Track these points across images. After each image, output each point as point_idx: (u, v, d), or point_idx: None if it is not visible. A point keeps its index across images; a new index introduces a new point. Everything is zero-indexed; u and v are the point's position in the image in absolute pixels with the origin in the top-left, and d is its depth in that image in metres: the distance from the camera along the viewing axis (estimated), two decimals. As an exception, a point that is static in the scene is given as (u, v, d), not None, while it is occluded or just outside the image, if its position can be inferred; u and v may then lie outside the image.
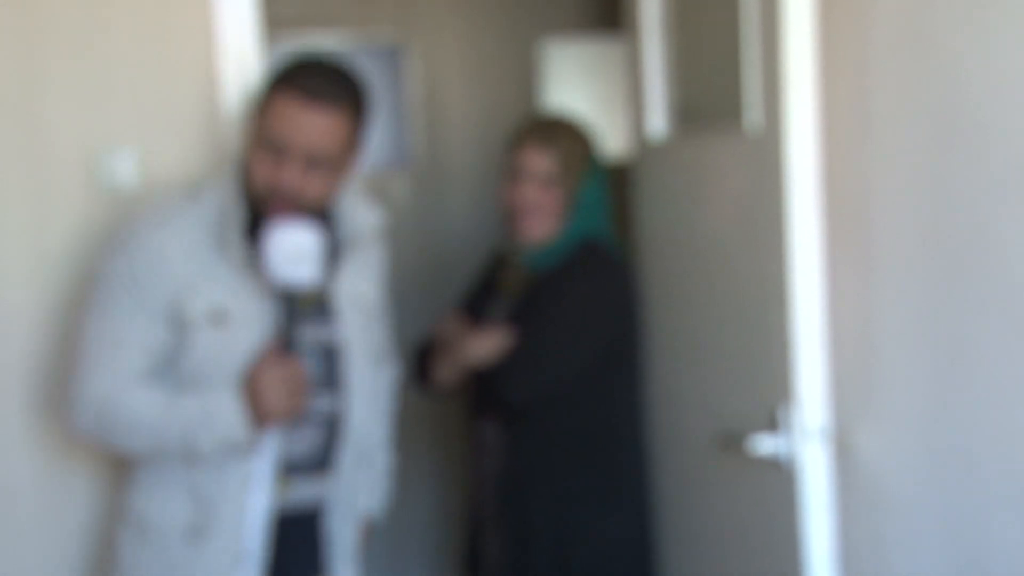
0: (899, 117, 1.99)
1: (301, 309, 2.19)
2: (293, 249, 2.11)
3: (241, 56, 2.52)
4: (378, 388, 2.44)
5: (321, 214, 2.23)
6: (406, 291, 2.97)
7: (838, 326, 2.14)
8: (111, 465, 2.47)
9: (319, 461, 2.27)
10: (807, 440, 2.15)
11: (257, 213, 2.19)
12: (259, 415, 2.11)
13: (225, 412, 2.11)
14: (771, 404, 2.19)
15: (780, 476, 2.18)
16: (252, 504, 2.17)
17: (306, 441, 2.25)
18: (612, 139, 3.35)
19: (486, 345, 2.64)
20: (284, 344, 2.14)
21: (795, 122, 2.13)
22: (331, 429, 2.27)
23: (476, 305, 2.82)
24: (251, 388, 2.11)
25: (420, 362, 2.79)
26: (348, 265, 2.31)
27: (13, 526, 2.46)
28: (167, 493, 2.20)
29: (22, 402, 2.45)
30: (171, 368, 2.17)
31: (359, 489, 2.39)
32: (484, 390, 2.70)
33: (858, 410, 2.12)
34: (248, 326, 2.16)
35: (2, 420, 2.44)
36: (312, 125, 2.12)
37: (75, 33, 2.44)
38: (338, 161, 2.19)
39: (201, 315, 2.13)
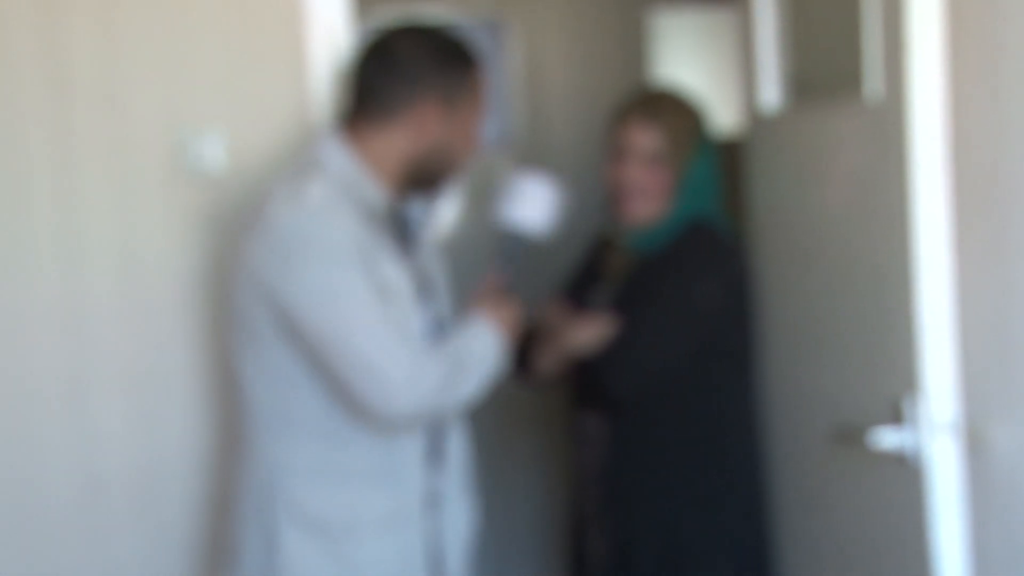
0: (1035, 82, 1.92)
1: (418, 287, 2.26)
2: (527, 193, 2.35)
3: (331, 33, 2.53)
4: None
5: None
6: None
7: (969, 310, 2.08)
8: (209, 453, 2.52)
9: (437, 450, 2.30)
10: (935, 434, 2.10)
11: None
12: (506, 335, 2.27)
13: (486, 337, 2.24)
14: (895, 395, 2.14)
15: (905, 473, 2.13)
16: (425, 480, 2.25)
17: (439, 427, 2.30)
18: (723, 113, 3.29)
19: (589, 333, 2.61)
20: (504, 282, 2.32)
21: (919, 90, 2.07)
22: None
23: (579, 291, 2.79)
24: (491, 314, 2.27)
25: (520, 351, 2.75)
26: (428, 244, 2.37)
27: (108, 512, 2.51)
28: (349, 488, 2.21)
29: (111, 392, 2.49)
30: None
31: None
32: (586, 381, 2.67)
33: (992, 402, 2.06)
34: (403, 300, 2.19)
35: (95, 411, 2.49)
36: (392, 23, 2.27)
37: (157, 13, 2.47)
38: (463, 112, 2.31)
39: (377, 289, 2.15)
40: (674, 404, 2.64)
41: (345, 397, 2.15)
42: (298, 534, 2.20)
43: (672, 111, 2.68)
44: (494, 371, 2.24)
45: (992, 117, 2.00)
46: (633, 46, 4.21)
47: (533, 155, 4.18)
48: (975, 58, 2.02)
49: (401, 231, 2.30)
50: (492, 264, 2.31)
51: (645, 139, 2.65)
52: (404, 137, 2.21)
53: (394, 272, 2.18)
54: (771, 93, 2.68)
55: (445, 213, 2.45)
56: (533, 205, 2.33)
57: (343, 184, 2.18)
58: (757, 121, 2.75)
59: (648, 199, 2.66)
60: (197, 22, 2.48)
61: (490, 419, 2.57)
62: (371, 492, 2.22)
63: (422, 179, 2.25)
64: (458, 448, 2.37)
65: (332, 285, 2.10)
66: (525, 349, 2.74)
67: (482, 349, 2.23)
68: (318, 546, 2.20)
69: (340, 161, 2.20)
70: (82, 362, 2.48)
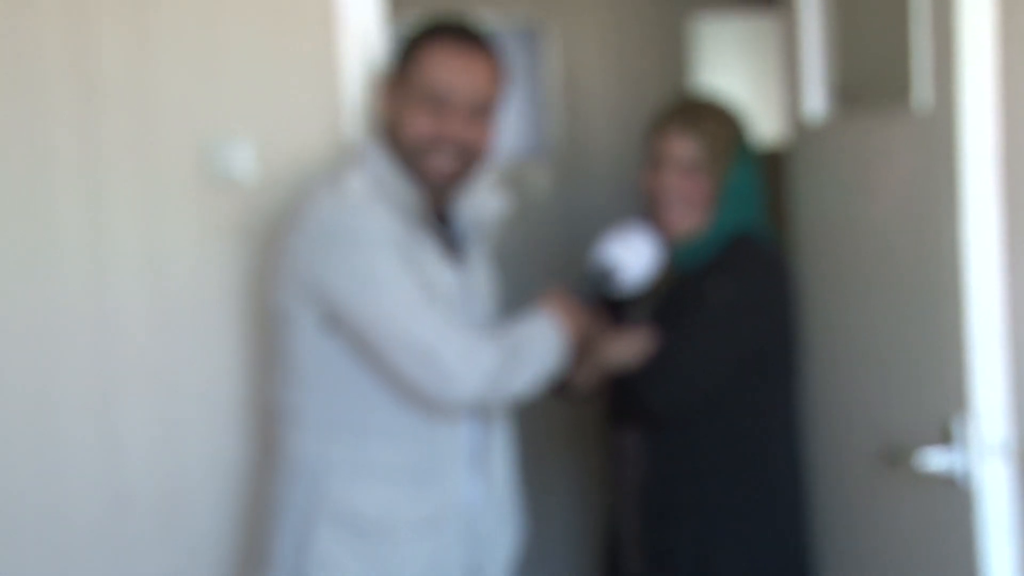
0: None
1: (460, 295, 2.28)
2: (638, 260, 2.47)
3: (364, 39, 2.52)
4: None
5: (473, 173, 2.30)
6: (542, 286, 2.95)
7: (1021, 326, 2.06)
8: (240, 458, 2.52)
9: (482, 458, 2.32)
10: (986, 456, 2.07)
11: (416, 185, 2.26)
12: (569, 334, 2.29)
13: (546, 331, 2.25)
14: (944, 415, 2.12)
15: (955, 495, 2.10)
16: (466, 484, 2.27)
17: (478, 434, 2.31)
18: (767, 122, 3.26)
19: (629, 347, 2.59)
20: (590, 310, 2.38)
21: (970, 99, 2.05)
22: (486, 424, 2.33)
23: (617, 304, 2.76)
24: (556, 313, 2.29)
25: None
26: (477, 252, 2.37)
27: (134, 521, 2.50)
28: (389, 485, 2.22)
29: (139, 398, 2.49)
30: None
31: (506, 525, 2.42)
32: (624, 396, 2.65)
33: (1045, 422, 2.03)
34: (450, 303, 2.22)
35: (121, 423, 2.49)
36: (473, 70, 2.24)
37: (189, 18, 2.47)
38: (495, 111, 2.29)
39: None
40: (716, 421, 2.61)
41: (398, 383, 2.17)
42: (332, 532, 2.20)
43: (711, 119, 2.66)
44: (552, 367, 2.26)
45: (1046, 127, 1.97)
46: (674, 53, 4.20)
47: (571, 166, 4.16)
48: (1028, 66, 1.99)
49: (447, 237, 2.31)
50: (568, 286, 2.37)
51: (683, 147, 2.62)
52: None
53: (437, 272, 2.21)
54: (816, 101, 2.66)
55: (483, 219, 2.42)
56: (635, 254, 2.46)
57: (377, 180, 2.22)
58: (801, 130, 2.73)
59: (688, 209, 2.63)
60: (228, 28, 2.48)
61: (524, 432, 2.55)
62: (412, 492, 2.23)
63: (411, 169, 2.24)
64: (503, 460, 2.39)
65: (377, 271, 2.13)
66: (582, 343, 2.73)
67: (541, 342, 2.24)
68: (351, 546, 2.20)
69: (374, 156, 2.25)
70: (109, 373, 2.48)
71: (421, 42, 2.26)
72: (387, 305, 2.13)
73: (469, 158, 2.25)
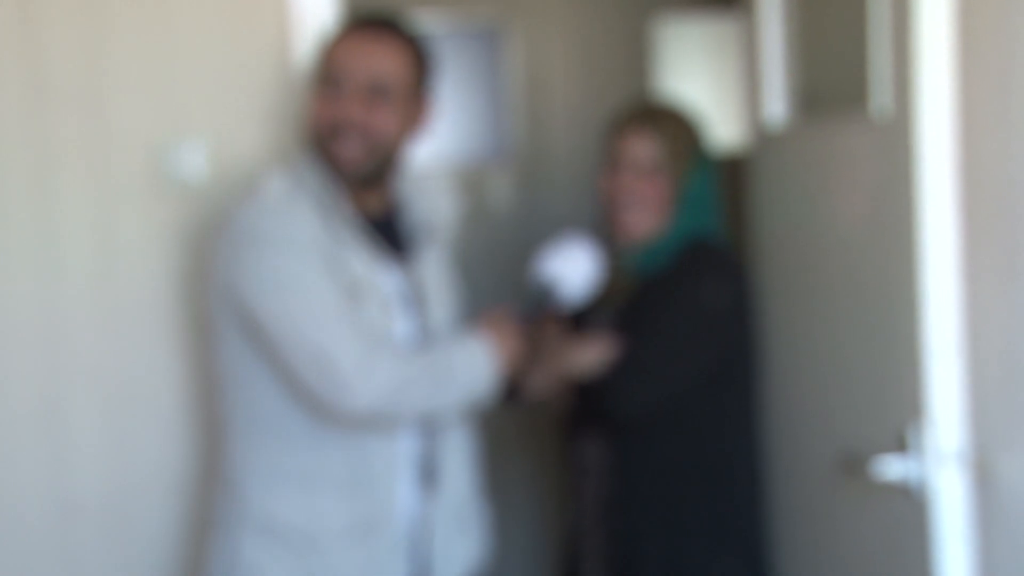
0: (1049, 99, 1.91)
1: (400, 300, 2.27)
2: (577, 274, 2.44)
3: (318, 41, 2.50)
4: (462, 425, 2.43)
5: (387, 164, 2.28)
6: (504, 293, 2.95)
7: (978, 335, 2.07)
8: (187, 468, 2.51)
9: (428, 471, 2.30)
10: (941, 464, 2.09)
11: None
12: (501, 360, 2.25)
13: (474, 354, 2.22)
14: (900, 423, 2.14)
15: (910, 504, 2.12)
16: (400, 496, 2.24)
17: (423, 445, 2.29)
18: (727, 127, 3.29)
19: (591, 355, 2.60)
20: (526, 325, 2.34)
21: (928, 106, 2.07)
22: (433, 436, 2.30)
23: (573, 312, 2.76)
24: (491, 337, 2.26)
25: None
26: (427, 256, 2.36)
27: (81, 533, 2.49)
28: (313, 494, 2.22)
29: (88, 406, 2.48)
30: None
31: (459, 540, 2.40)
32: (588, 404, 2.66)
33: (1002, 431, 2.04)
34: (379, 304, 2.22)
35: (68, 425, 2.48)
36: (370, 49, 2.23)
37: (140, 17, 2.47)
38: (401, 96, 2.24)
39: (342, 288, 2.17)
40: (680, 430, 2.63)
41: (298, 391, 2.17)
42: (259, 540, 2.22)
43: (670, 122, 2.68)
44: (478, 391, 2.24)
45: (1003, 135, 1.99)
46: (636, 56, 4.21)
47: (533, 170, 4.17)
48: (985, 74, 2.02)
49: (389, 235, 2.30)
50: (511, 306, 2.34)
51: (641, 149, 2.65)
52: None
53: (367, 273, 2.20)
54: (776, 107, 2.68)
55: (434, 221, 2.43)
56: (575, 268, 2.44)
57: (298, 180, 2.23)
58: (761, 136, 2.75)
59: (645, 211, 2.65)
60: (180, 28, 2.48)
61: (479, 442, 2.55)
62: (338, 501, 2.22)
63: (325, 163, 2.25)
64: (458, 472, 2.37)
65: (283, 275, 2.13)
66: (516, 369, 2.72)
67: (466, 365, 2.22)
68: (276, 555, 2.21)
69: (297, 157, 2.27)
70: (56, 378, 2.47)
71: (333, 37, 2.28)
72: (291, 308, 2.13)
73: (373, 144, 2.22)
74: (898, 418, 2.14)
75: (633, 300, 2.68)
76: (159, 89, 2.48)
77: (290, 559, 2.22)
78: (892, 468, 2.12)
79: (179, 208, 2.48)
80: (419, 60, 2.29)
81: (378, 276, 2.23)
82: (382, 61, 2.23)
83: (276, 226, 2.15)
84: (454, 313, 2.43)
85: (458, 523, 2.39)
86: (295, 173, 2.25)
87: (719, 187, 2.73)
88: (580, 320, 2.73)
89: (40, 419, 2.47)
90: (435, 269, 2.38)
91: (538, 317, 2.40)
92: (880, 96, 2.20)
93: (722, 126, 2.84)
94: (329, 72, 2.23)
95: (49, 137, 2.44)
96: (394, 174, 2.32)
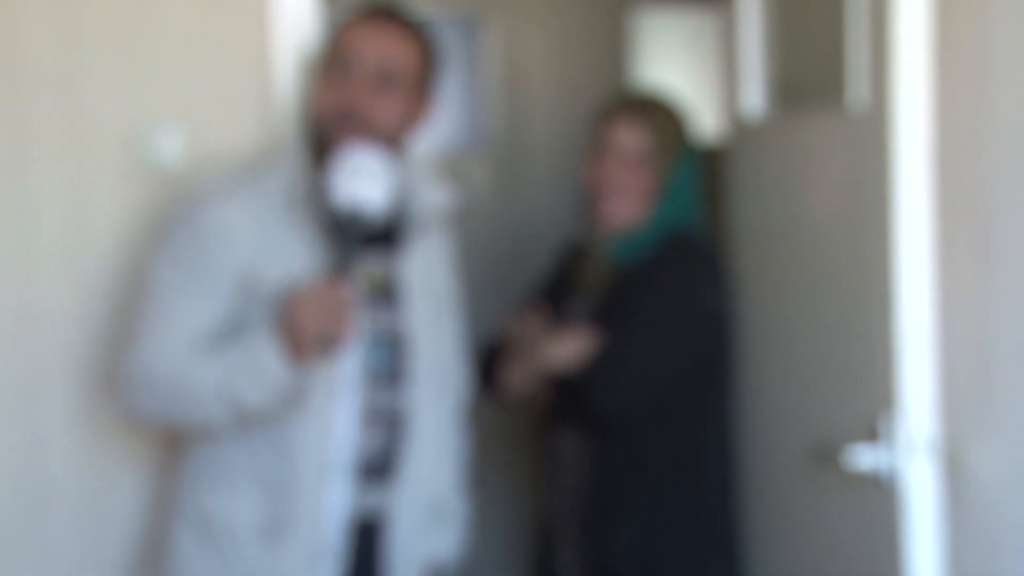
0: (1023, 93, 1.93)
1: (371, 292, 2.23)
2: (358, 166, 2.13)
3: (297, 26, 2.52)
4: (442, 420, 2.40)
5: (393, 148, 2.25)
6: (480, 285, 2.95)
7: (950, 327, 2.10)
8: (157, 455, 2.50)
9: (382, 464, 2.27)
10: (912, 454, 2.11)
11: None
12: (294, 344, 2.06)
13: (262, 346, 2.08)
14: (872, 413, 2.16)
15: (881, 493, 2.14)
16: (330, 497, 2.18)
17: (373, 439, 2.25)
18: (704, 119, 3.31)
19: (569, 348, 2.60)
20: (334, 275, 2.10)
21: (905, 99, 2.09)
22: (395, 429, 2.27)
23: (551, 302, 2.78)
24: (286, 316, 2.08)
25: (487, 365, 2.73)
26: (417, 247, 2.32)
27: (52, 520, 2.49)
28: (236, 489, 2.22)
29: (60, 391, 2.48)
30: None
31: (428, 534, 2.38)
32: (568, 398, 2.66)
33: (972, 422, 2.07)
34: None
35: (40, 411, 2.48)
36: (381, 37, 2.23)
37: (118, 3, 2.45)
38: (408, 85, 2.24)
39: (276, 289, 2.15)
40: (658, 423, 2.63)
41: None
42: (191, 533, 2.25)
43: (659, 113, 2.70)
44: (273, 387, 2.10)
45: (978, 130, 2.01)
46: (614, 47, 4.22)
47: (510, 159, 4.18)
48: (961, 69, 2.04)
49: (354, 228, 2.22)
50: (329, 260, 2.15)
51: (630, 138, 2.66)
52: None
53: (303, 267, 2.16)
54: (755, 99, 2.69)
55: (425, 213, 2.41)
56: (373, 182, 2.13)
57: (270, 168, 2.25)
58: (739, 128, 2.76)
59: (627, 201, 2.66)
60: (158, 12, 2.47)
61: (468, 437, 2.55)
62: (256, 498, 2.21)
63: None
64: (432, 471, 2.33)
65: (149, 276, 2.21)
66: (493, 362, 2.73)
67: (252, 367, 2.09)
68: (204, 548, 2.24)
69: (294, 143, 2.29)
70: (29, 365, 2.46)
71: (343, 25, 2.27)
72: (140, 304, 2.21)
73: (375, 133, 2.19)
74: (870, 408, 2.16)
75: (611, 291, 2.68)
76: (136, 74, 2.46)
77: (213, 554, 2.23)
78: (864, 458, 2.14)
79: (154, 193, 2.47)
80: (427, 51, 2.29)
81: (316, 265, 2.19)
82: (393, 48, 2.23)
83: (177, 222, 2.21)
84: (442, 305, 2.39)
85: (431, 517, 2.36)
86: (267, 161, 2.26)
87: (701, 180, 2.75)
88: (555, 311, 2.73)
89: (12, 402, 2.45)
90: (423, 262, 2.34)
91: (351, 252, 2.11)
92: (857, 89, 2.21)
93: (699, 118, 2.85)
94: (338, 57, 2.23)
95: (24, 120, 2.42)
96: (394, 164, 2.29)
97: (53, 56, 2.44)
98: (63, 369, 2.48)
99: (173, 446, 2.44)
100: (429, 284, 2.35)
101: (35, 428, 2.48)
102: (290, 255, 2.18)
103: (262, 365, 2.07)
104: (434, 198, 2.37)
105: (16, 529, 2.46)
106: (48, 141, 2.44)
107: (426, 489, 2.33)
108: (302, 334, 2.05)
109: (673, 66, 4.23)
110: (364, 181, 2.11)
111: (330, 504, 2.19)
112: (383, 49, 2.22)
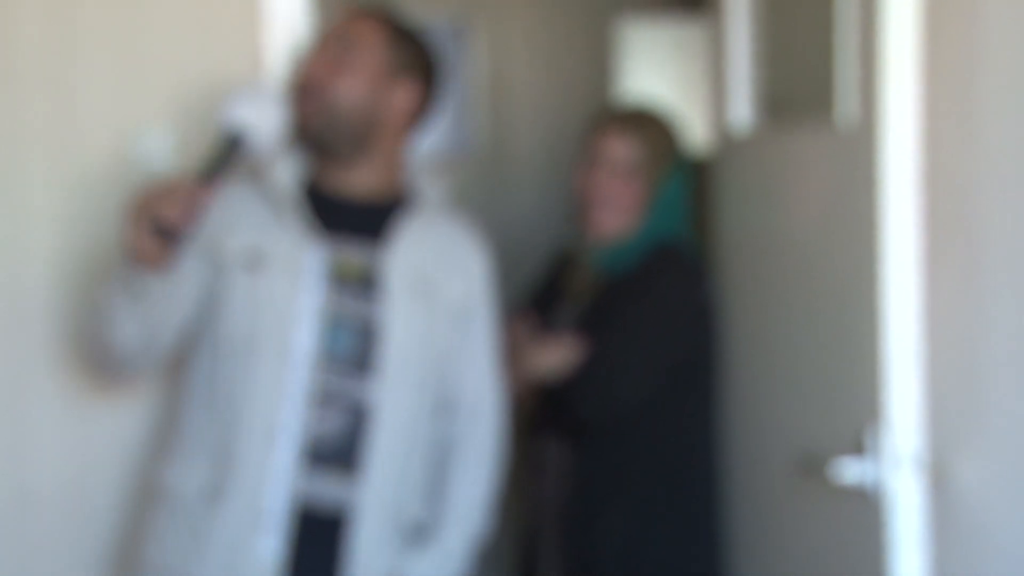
0: (1011, 111, 1.95)
1: (342, 277, 2.26)
2: (255, 98, 2.25)
3: (289, 30, 2.52)
4: (419, 422, 2.34)
5: (348, 133, 2.29)
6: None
7: (937, 341, 2.10)
8: (144, 441, 2.52)
9: (344, 455, 2.24)
10: (898, 467, 2.11)
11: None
12: (132, 220, 2.11)
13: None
14: (857, 425, 2.16)
15: (866, 506, 2.15)
16: (274, 464, 2.20)
17: (328, 422, 2.24)
18: (692, 130, 3.33)
19: (556, 356, 2.62)
20: (197, 183, 2.15)
21: (893, 114, 2.09)
22: (358, 420, 2.25)
23: (540, 309, 2.79)
24: (138, 195, 2.14)
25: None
26: (405, 239, 2.31)
27: (38, 508, 2.51)
28: (190, 456, 2.27)
29: (50, 392, 2.49)
30: (211, 336, 2.24)
31: (397, 545, 2.32)
32: (554, 405, 2.67)
33: (958, 436, 2.08)
34: (285, 273, 2.22)
35: (27, 412, 2.49)
36: (349, 19, 2.33)
37: (111, 2, 2.46)
38: (367, 59, 2.30)
39: (236, 257, 2.22)
40: (643, 432, 2.65)
41: None
42: (162, 508, 2.28)
43: (652, 126, 2.72)
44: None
45: (966, 144, 2.02)
46: (600, 56, 4.24)
47: (495, 166, 4.19)
48: (950, 84, 2.05)
49: (368, 217, 2.30)
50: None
51: (621, 149, 2.68)
52: None
53: (277, 246, 2.23)
54: (742, 111, 2.70)
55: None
56: (263, 115, 2.23)
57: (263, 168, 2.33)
58: (726, 141, 2.77)
59: (617, 211, 2.68)
60: (151, 15, 2.48)
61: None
62: (199, 461, 2.25)
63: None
64: (391, 469, 2.27)
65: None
66: None
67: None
68: (169, 519, 2.27)
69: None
70: (18, 364, 2.48)
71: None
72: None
73: (326, 102, 2.27)
74: (856, 421, 2.16)
75: (598, 300, 2.70)
76: (128, 77, 2.47)
77: (169, 522, 2.26)
78: (849, 470, 2.13)
79: (145, 197, 2.48)
80: (398, 40, 2.34)
81: (297, 251, 2.24)
82: (356, 25, 2.32)
83: None
84: (435, 302, 2.34)
85: (402, 527, 2.31)
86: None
87: (690, 193, 2.76)
88: (543, 318, 2.74)
89: (2, 400, 2.47)
90: (416, 258, 2.31)
91: (225, 168, 2.19)
92: (845, 103, 2.22)
93: (687, 130, 2.87)
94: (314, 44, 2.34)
95: (17, 122, 2.44)
96: (370, 152, 2.32)
97: (46, 59, 2.44)
98: (53, 371, 2.49)
99: (160, 431, 2.46)
100: (421, 282, 2.31)
101: (22, 426, 2.49)
102: (257, 226, 2.26)
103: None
104: (423, 192, 2.39)
105: (1, 527, 2.48)
106: (40, 142, 2.45)
107: (392, 490, 2.28)
108: (138, 209, 2.11)
109: (659, 77, 4.24)
110: (254, 112, 2.22)
111: (274, 471, 2.20)
112: (346, 24, 2.32)
